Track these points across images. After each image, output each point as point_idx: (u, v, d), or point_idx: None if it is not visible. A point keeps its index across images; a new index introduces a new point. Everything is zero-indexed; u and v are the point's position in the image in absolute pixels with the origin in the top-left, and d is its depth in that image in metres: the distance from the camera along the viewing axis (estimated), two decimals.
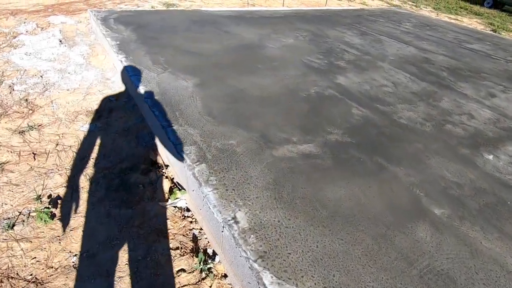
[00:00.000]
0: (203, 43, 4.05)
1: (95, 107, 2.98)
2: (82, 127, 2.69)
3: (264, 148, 2.20)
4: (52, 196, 2.02)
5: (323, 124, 2.60)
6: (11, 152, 2.34)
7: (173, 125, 2.31)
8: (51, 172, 2.21)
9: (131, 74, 2.98)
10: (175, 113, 2.47)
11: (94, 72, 3.58)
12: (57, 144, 2.49)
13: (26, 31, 4.38)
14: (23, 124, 2.65)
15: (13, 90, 3.15)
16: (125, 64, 3.17)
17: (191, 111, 2.53)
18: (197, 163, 1.95)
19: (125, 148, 2.50)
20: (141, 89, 2.75)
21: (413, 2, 14.50)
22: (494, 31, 9.11)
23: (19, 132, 2.54)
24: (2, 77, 3.28)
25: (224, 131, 2.32)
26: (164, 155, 2.39)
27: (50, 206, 1.94)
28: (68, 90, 3.24)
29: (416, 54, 4.97)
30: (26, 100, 3.01)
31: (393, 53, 4.88)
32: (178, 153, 2.02)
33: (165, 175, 2.29)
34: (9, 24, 4.46)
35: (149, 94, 2.69)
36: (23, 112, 2.82)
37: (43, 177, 2.15)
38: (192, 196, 1.93)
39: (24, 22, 4.56)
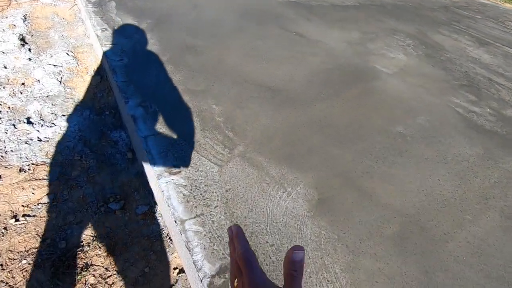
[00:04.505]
0: (275, 63, 2.27)
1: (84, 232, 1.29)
2: None
3: None
4: None
5: None
6: None
7: None
8: None
9: (162, 182, 1.27)
10: None
11: (80, 118, 1.83)
12: None
13: None
14: None
15: None
16: (145, 133, 1.44)
17: None
18: None
19: None
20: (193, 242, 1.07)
21: None
22: None
23: None
24: None
25: None
26: None
27: None
28: (22, 171, 1.54)
29: None
30: None
31: None
32: None
33: None
34: None
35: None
36: None
37: None
38: None
39: None
